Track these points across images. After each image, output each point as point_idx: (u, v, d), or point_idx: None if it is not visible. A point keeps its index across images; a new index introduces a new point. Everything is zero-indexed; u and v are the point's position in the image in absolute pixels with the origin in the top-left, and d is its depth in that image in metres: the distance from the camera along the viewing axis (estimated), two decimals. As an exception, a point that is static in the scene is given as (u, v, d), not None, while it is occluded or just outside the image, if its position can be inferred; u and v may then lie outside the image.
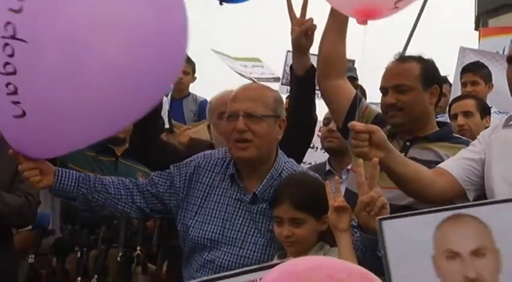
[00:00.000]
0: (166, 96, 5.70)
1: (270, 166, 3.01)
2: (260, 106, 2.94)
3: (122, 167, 3.91)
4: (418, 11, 6.01)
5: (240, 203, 3.00)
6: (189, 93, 6.71)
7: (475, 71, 5.80)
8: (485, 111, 5.01)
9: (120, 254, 3.38)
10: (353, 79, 6.01)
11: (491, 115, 5.08)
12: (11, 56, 2.47)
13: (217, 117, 3.71)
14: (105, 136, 2.93)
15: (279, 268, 1.50)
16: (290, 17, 3.40)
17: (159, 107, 3.75)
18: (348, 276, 1.43)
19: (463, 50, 6.67)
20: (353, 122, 2.80)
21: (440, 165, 3.03)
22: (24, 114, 2.58)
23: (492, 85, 5.83)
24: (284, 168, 3.03)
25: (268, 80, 8.56)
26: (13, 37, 2.46)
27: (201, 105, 6.50)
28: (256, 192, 2.97)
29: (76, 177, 3.03)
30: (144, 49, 2.53)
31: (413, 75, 3.25)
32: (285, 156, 3.10)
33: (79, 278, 3.34)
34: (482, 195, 2.95)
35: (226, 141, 3.05)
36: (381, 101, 3.29)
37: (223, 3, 4.50)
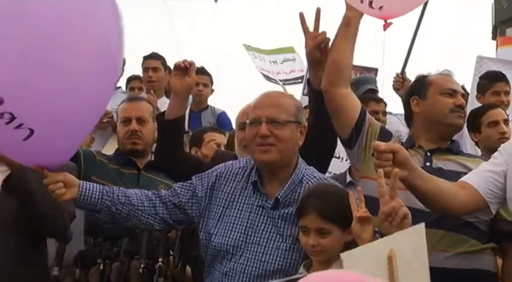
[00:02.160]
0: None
1: (291, 172, 3.02)
2: (282, 112, 2.98)
3: (144, 180, 3.91)
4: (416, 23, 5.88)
5: (262, 209, 3.00)
6: (208, 106, 6.70)
7: (507, 81, 5.72)
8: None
9: (142, 265, 3.43)
10: (373, 91, 6.01)
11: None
12: None
13: (238, 128, 3.75)
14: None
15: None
16: (303, 31, 3.40)
17: (182, 121, 3.81)
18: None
19: (480, 59, 6.61)
20: (377, 142, 2.82)
21: (462, 178, 3.04)
22: (32, 132, 2.65)
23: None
24: (305, 174, 3.04)
25: (295, 80, 8.37)
26: None
27: (219, 118, 6.52)
28: (279, 197, 2.97)
29: (100, 189, 3.04)
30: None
31: None
32: (305, 164, 3.10)
33: (102, 290, 3.35)
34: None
35: (248, 147, 3.07)
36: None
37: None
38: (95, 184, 3.07)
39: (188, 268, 3.68)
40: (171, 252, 3.59)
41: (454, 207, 2.95)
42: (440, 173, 3.15)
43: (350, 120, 3.36)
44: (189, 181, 3.18)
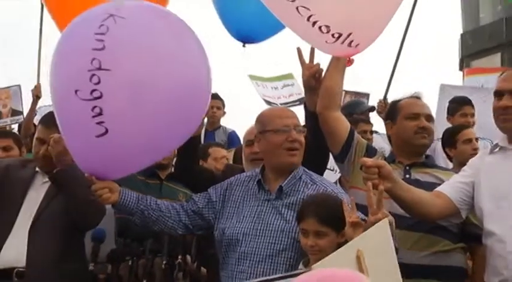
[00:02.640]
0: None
1: (292, 170, 3.05)
2: (300, 122, 3.08)
3: (166, 189, 3.92)
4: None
5: (268, 202, 3.01)
6: (220, 126, 6.71)
7: (472, 105, 5.70)
8: None
9: (164, 262, 3.43)
10: (372, 109, 6.07)
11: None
12: (97, 83, 2.60)
13: (245, 145, 3.74)
14: (157, 158, 3.12)
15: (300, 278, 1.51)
16: (300, 63, 3.40)
17: (198, 139, 3.79)
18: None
19: (443, 87, 6.57)
20: (364, 159, 2.85)
21: (437, 188, 3.05)
22: (106, 131, 2.66)
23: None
24: (303, 173, 3.06)
25: (293, 103, 8.34)
26: (98, 68, 2.60)
27: (230, 136, 6.52)
28: (282, 185, 2.99)
29: (136, 196, 3.08)
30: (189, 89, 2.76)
31: None
32: (305, 169, 3.12)
33: (131, 283, 3.36)
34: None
35: (274, 152, 3.03)
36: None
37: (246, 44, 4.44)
38: (132, 191, 3.11)
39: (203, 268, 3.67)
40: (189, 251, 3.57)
41: (431, 213, 2.95)
42: (418, 184, 3.16)
43: (341, 138, 3.35)
44: (205, 192, 3.21)
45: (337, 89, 3.34)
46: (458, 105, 5.69)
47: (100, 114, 2.64)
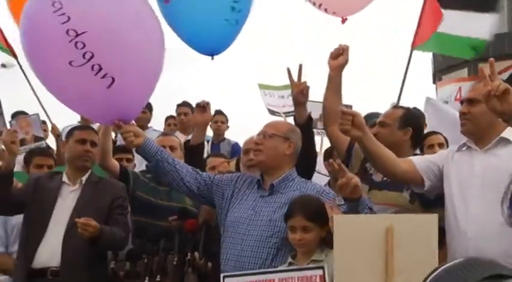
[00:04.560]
0: (207, 142, 5.70)
1: (284, 173, 3.07)
2: (273, 130, 3.11)
3: (175, 194, 3.86)
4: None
5: (262, 198, 3.06)
6: (225, 138, 6.70)
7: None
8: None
9: (175, 259, 3.43)
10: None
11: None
12: (83, 47, 2.68)
13: (243, 154, 3.75)
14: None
15: None
16: (290, 81, 3.44)
17: (203, 146, 3.81)
18: None
19: (428, 99, 6.50)
20: (341, 107, 2.90)
21: (407, 158, 3.04)
22: (113, 80, 2.75)
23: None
24: (296, 177, 3.10)
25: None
26: (76, 35, 2.68)
27: (233, 147, 6.50)
28: (274, 183, 3.04)
29: (157, 147, 3.15)
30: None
31: None
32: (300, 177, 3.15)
33: (147, 278, 3.37)
34: (441, 196, 2.94)
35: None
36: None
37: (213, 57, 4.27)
38: (155, 143, 3.18)
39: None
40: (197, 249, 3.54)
41: (394, 172, 2.94)
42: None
43: (342, 149, 3.42)
44: (221, 174, 3.31)
45: (334, 108, 3.33)
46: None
47: (100, 69, 2.68)
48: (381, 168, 2.99)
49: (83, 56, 2.69)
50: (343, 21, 3.32)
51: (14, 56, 6.02)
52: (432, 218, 2.39)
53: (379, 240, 2.28)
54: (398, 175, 2.95)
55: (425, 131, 5.34)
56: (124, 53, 2.81)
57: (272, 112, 8.14)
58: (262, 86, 8.43)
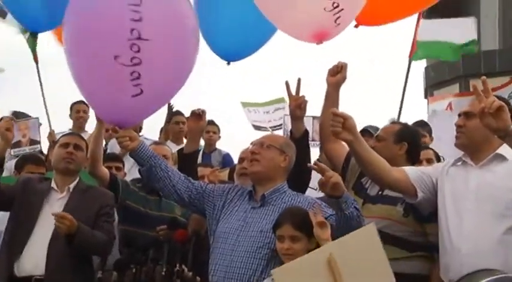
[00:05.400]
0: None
1: (276, 184, 3.04)
2: (270, 141, 3.09)
3: (164, 204, 3.85)
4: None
5: (253, 209, 3.01)
6: (216, 148, 6.65)
7: (422, 127, 5.62)
8: (438, 159, 4.87)
9: (164, 269, 3.37)
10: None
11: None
12: (137, 52, 2.68)
13: (238, 162, 3.72)
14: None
15: None
16: (288, 95, 3.40)
17: (197, 154, 3.72)
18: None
19: (433, 112, 6.54)
20: (333, 109, 2.87)
21: (400, 167, 3.01)
22: (141, 92, 2.76)
23: (433, 138, 5.69)
24: (288, 190, 3.06)
25: (281, 126, 8.18)
26: (138, 38, 2.68)
27: (224, 158, 6.45)
28: (265, 194, 3.00)
29: (152, 152, 3.11)
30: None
31: None
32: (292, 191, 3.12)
33: (135, 288, 3.31)
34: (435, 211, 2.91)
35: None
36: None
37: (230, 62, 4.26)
38: (150, 147, 3.15)
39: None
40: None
41: (386, 179, 2.91)
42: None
43: (338, 164, 3.38)
44: (214, 185, 3.28)
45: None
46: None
47: (138, 77, 2.70)
48: (372, 174, 2.97)
49: (131, 59, 2.66)
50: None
51: (36, 60, 5.96)
52: (370, 228, 2.42)
53: (325, 274, 2.30)
54: (390, 183, 2.93)
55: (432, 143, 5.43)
56: (166, 74, 2.83)
57: (258, 128, 8.11)
58: (245, 104, 8.43)
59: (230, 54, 4.18)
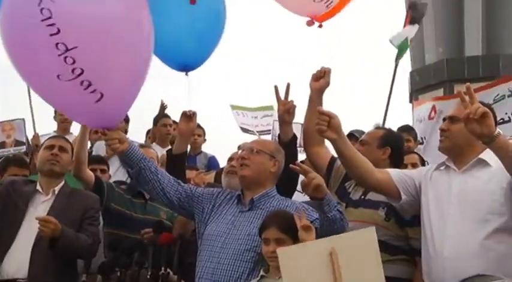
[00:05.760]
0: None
1: (266, 188, 3.05)
2: (260, 146, 3.10)
3: (150, 207, 3.84)
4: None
5: (241, 213, 3.02)
6: (201, 151, 6.63)
7: (407, 132, 5.69)
8: (423, 163, 4.90)
9: (149, 273, 3.36)
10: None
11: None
12: (73, 63, 2.59)
13: (227, 160, 3.70)
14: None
15: None
16: (277, 99, 3.41)
17: (186, 155, 3.72)
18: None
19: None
20: (319, 107, 2.87)
21: (383, 169, 3.02)
22: (102, 95, 2.68)
23: (419, 142, 5.74)
24: (276, 195, 3.07)
25: (268, 132, 8.22)
26: (66, 50, 2.58)
27: (210, 160, 6.45)
28: (254, 198, 3.01)
29: (141, 155, 3.06)
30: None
31: None
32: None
33: (119, 292, 3.29)
34: (418, 215, 2.93)
35: None
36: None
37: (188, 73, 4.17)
38: (140, 150, 3.11)
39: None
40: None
41: (368, 180, 2.92)
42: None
43: (322, 168, 3.37)
44: (203, 188, 3.27)
45: (312, 129, 3.26)
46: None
47: (90, 85, 2.63)
48: (355, 174, 2.98)
49: (72, 71, 2.60)
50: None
51: None
52: (370, 231, 2.42)
53: (324, 264, 2.32)
54: (374, 184, 2.94)
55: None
56: (116, 69, 2.73)
57: (245, 130, 8.13)
58: (234, 107, 8.47)
59: (187, 64, 3.99)
